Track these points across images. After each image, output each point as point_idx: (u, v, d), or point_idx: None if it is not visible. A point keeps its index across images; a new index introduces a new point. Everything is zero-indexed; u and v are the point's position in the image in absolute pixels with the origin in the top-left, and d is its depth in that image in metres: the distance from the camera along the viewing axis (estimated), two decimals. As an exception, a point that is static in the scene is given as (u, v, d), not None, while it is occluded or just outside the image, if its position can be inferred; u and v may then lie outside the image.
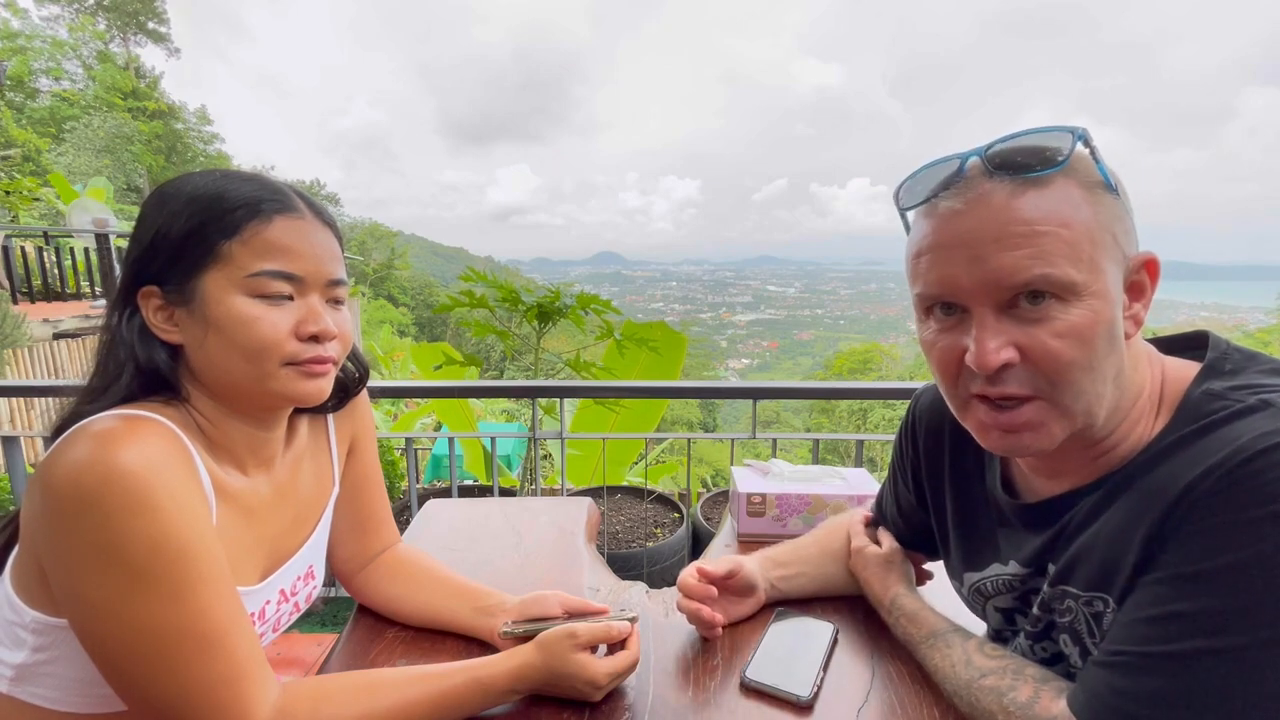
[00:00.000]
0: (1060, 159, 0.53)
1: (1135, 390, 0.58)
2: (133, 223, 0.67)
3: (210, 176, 0.65)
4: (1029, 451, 0.58)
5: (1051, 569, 0.63)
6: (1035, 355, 0.54)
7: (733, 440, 2.29)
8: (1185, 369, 0.59)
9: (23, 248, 7.81)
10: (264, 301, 0.63)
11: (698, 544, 2.81)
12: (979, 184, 0.54)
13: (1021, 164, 0.53)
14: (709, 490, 3.74)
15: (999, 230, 0.53)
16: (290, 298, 0.65)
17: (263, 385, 0.65)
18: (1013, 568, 0.68)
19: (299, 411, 0.80)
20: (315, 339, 0.66)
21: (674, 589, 0.85)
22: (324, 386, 0.69)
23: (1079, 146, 0.54)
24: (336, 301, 0.70)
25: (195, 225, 0.62)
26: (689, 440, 2.80)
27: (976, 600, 0.75)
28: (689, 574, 0.82)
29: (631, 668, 0.73)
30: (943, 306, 0.58)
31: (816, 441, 2.35)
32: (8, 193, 10.76)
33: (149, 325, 0.64)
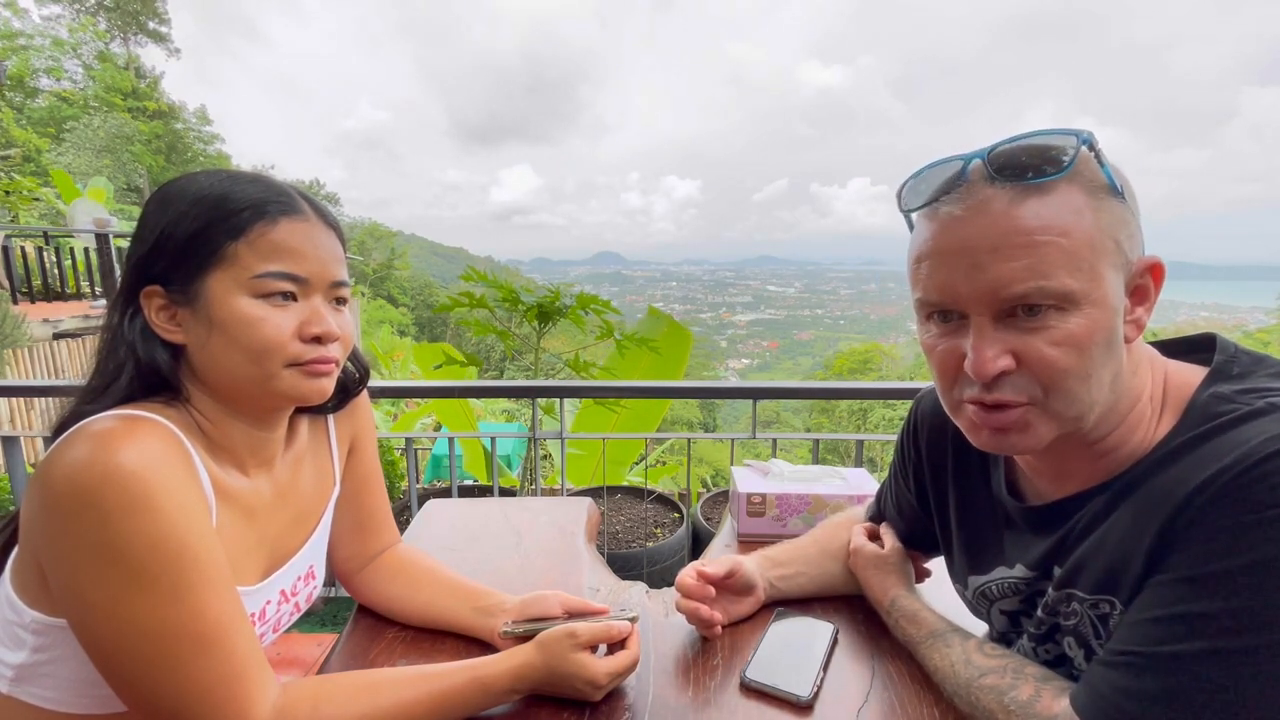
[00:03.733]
0: (1063, 164, 0.52)
1: (1134, 394, 0.58)
2: (133, 223, 0.68)
3: (215, 177, 0.66)
4: (1016, 451, 0.60)
5: (1057, 572, 0.63)
6: (1031, 362, 0.54)
7: (733, 440, 2.29)
8: (1191, 373, 0.59)
9: (23, 248, 7.80)
10: (268, 303, 0.64)
11: (698, 544, 2.81)
12: (980, 189, 0.54)
13: (1023, 168, 0.53)
14: (709, 490, 3.74)
15: (997, 239, 0.53)
16: (294, 299, 0.66)
17: (266, 386, 0.65)
18: (1019, 571, 0.68)
19: (299, 411, 0.80)
20: (318, 340, 0.67)
21: (674, 589, 0.85)
22: (327, 386, 0.69)
23: (1083, 150, 0.53)
24: (339, 302, 0.70)
25: (201, 226, 0.62)
26: (689, 440, 2.80)
27: (981, 604, 0.75)
28: (687, 574, 0.82)
29: (631, 667, 0.73)
30: (941, 313, 0.59)
31: (816, 441, 2.35)
32: (8, 193, 10.76)
33: (151, 325, 0.64)
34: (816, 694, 0.71)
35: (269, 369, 0.64)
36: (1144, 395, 0.59)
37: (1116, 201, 0.54)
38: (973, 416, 0.59)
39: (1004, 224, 0.53)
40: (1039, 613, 0.66)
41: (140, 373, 0.64)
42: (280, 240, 0.64)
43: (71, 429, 0.58)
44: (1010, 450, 0.60)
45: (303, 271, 0.65)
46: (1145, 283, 0.56)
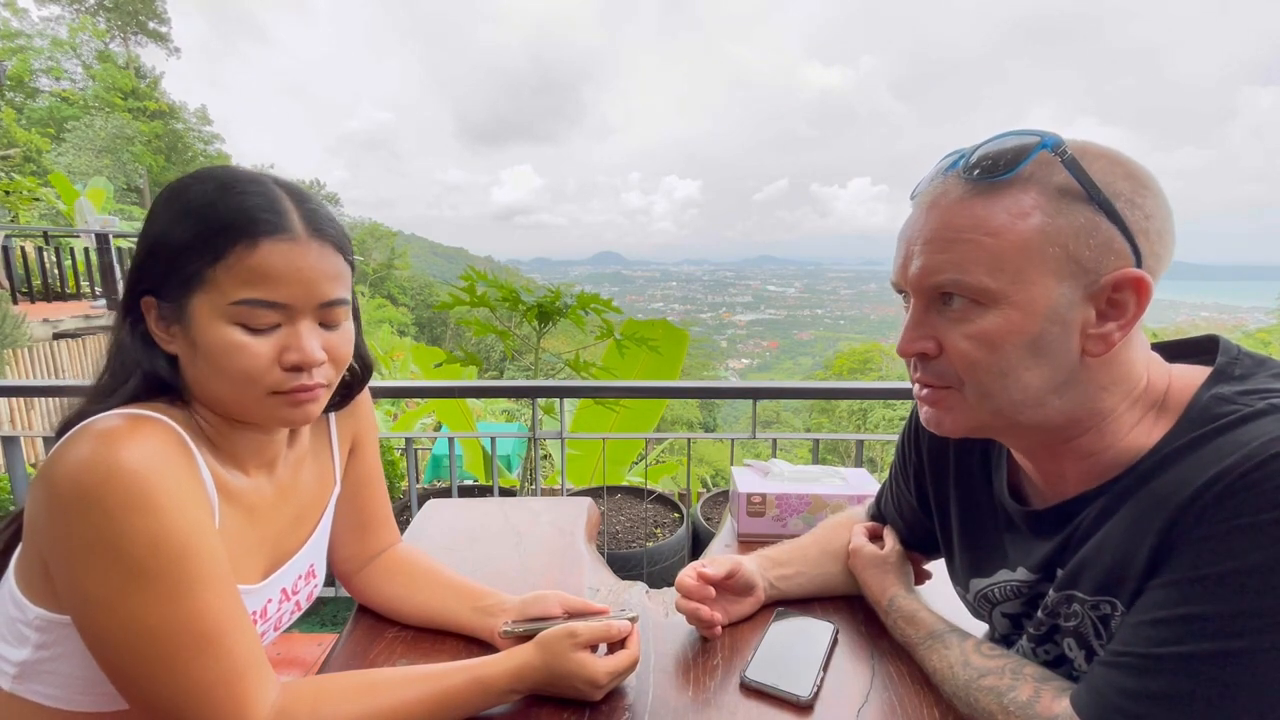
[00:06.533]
0: (1013, 167, 0.54)
1: (1107, 404, 0.58)
2: (132, 223, 0.67)
3: (210, 183, 0.63)
4: (945, 431, 0.64)
5: (1059, 574, 0.63)
6: (947, 351, 0.59)
7: (733, 440, 2.29)
8: (1193, 374, 0.59)
9: (23, 248, 7.80)
10: (246, 330, 0.61)
11: (698, 544, 2.81)
12: (946, 184, 0.58)
13: (985, 168, 0.55)
14: (709, 490, 3.74)
15: (930, 232, 0.57)
16: (278, 325, 0.63)
17: (248, 411, 0.65)
18: (1021, 574, 0.68)
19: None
20: (298, 368, 0.64)
21: (674, 589, 0.85)
22: (311, 411, 0.67)
23: (1044, 154, 0.53)
24: (333, 321, 0.67)
25: (183, 244, 0.60)
26: (689, 440, 2.80)
27: (983, 606, 0.75)
28: (687, 575, 0.82)
29: (631, 667, 0.73)
30: (904, 294, 0.63)
31: (816, 441, 2.35)
32: (8, 193, 10.75)
33: (151, 333, 0.64)
34: (816, 694, 0.71)
35: (249, 396, 0.63)
36: (1122, 404, 0.58)
37: (1084, 209, 0.53)
38: (916, 393, 0.65)
39: (944, 218, 0.56)
40: (1039, 614, 0.66)
41: (145, 375, 0.64)
42: (258, 265, 0.60)
43: (76, 427, 0.58)
44: (940, 429, 0.63)
45: (282, 298, 0.61)
46: (1122, 298, 0.54)
